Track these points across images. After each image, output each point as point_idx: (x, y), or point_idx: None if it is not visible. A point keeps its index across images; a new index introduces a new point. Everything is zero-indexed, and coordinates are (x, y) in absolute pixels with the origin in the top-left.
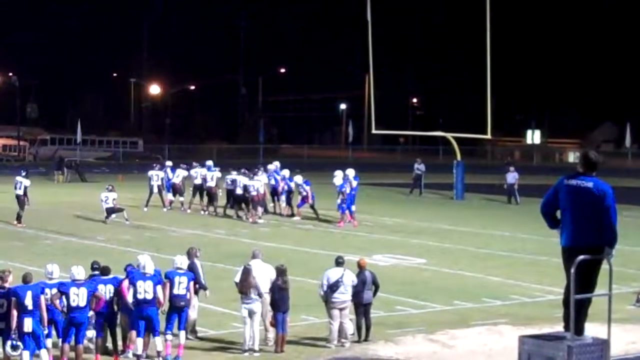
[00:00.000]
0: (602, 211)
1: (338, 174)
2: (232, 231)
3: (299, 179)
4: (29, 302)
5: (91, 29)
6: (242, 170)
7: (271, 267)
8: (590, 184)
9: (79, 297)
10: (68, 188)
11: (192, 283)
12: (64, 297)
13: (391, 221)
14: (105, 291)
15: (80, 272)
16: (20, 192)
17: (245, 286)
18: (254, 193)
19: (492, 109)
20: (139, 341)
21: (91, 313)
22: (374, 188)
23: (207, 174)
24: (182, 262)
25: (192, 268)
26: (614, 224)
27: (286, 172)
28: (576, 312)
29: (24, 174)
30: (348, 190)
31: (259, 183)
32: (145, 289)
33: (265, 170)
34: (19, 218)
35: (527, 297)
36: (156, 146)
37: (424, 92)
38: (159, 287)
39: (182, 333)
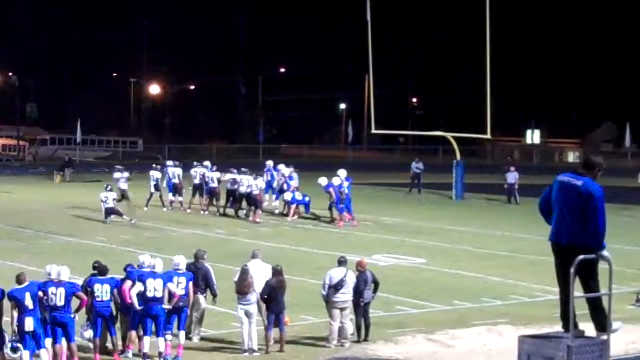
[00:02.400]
0: (587, 212)
1: (322, 181)
2: (232, 231)
3: (286, 170)
4: (29, 302)
5: (91, 28)
6: (243, 170)
7: (271, 267)
8: (579, 183)
9: (57, 296)
10: (68, 188)
11: (191, 283)
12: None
13: (391, 221)
14: (103, 291)
15: (63, 272)
16: None
17: (244, 286)
18: (256, 192)
19: (491, 109)
20: (146, 339)
21: (73, 315)
22: (374, 188)
23: (207, 174)
24: (181, 262)
25: (205, 273)
26: (597, 226)
27: (286, 171)
28: (567, 307)
29: None
30: (347, 191)
31: (261, 183)
32: (155, 287)
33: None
34: None
35: (527, 297)
36: (156, 146)
37: (423, 92)
38: (170, 285)
39: (182, 333)
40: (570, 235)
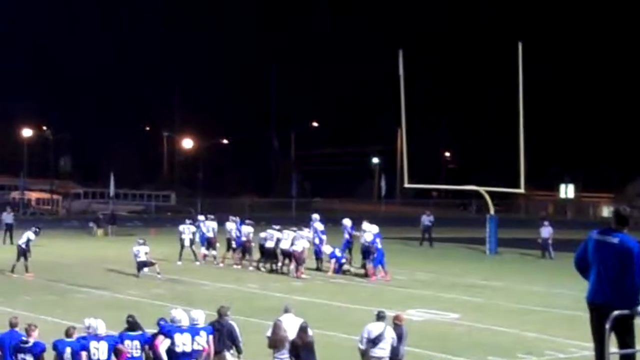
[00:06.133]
0: (625, 269)
1: (367, 232)
2: (264, 285)
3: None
4: (68, 357)
5: (123, 83)
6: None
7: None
8: (615, 240)
9: (99, 351)
10: (101, 242)
11: (210, 337)
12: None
13: (424, 275)
14: (132, 347)
15: (100, 326)
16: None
17: (276, 341)
18: (298, 250)
19: (525, 163)
20: None
21: None
22: (406, 242)
23: (243, 228)
24: (199, 316)
25: (230, 329)
26: (634, 282)
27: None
28: None
29: (34, 229)
30: (380, 246)
31: (305, 243)
32: (183, 342)
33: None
34: (25, 268)
35: (562, 352)
36: (189, 200)
37: (456, 145)
38: (198, 338)
39: None
40: (606, 294)
